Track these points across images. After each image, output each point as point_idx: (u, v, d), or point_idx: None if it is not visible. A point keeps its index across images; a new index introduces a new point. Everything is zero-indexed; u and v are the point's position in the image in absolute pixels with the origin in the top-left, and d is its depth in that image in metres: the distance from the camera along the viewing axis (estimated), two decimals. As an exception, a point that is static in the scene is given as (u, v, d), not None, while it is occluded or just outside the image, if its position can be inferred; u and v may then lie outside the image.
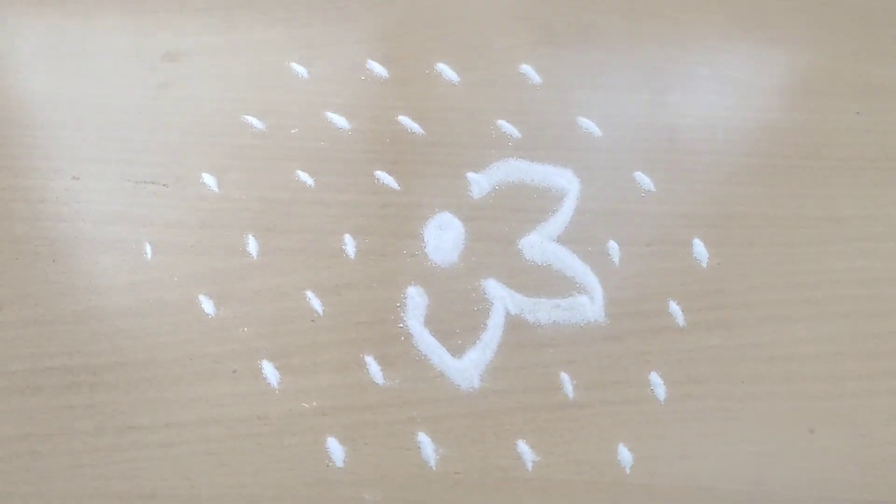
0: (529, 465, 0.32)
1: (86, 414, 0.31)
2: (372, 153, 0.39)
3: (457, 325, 0.35)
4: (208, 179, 0.37)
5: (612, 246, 0.38)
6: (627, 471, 0.32)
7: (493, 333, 0.35)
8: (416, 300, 0.35)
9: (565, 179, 0.40)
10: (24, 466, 0.30)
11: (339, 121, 0.40)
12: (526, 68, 0.43)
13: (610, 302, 0.36)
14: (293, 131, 0.39)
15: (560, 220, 0.38)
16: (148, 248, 0.35)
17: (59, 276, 0.34)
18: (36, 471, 0.30)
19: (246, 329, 0.34)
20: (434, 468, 0.32)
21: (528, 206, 0.39)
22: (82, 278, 0.34)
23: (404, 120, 0.40)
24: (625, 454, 0.33)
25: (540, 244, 0.38)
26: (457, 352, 0.34)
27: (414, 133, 0.40)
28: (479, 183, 0.39)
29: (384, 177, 0.39)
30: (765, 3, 0.49)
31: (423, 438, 0.32)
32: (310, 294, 0.35)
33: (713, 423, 0.34)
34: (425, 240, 0.37)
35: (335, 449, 0.32)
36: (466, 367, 0.34)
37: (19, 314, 0.33)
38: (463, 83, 0.42)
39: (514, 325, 0.35)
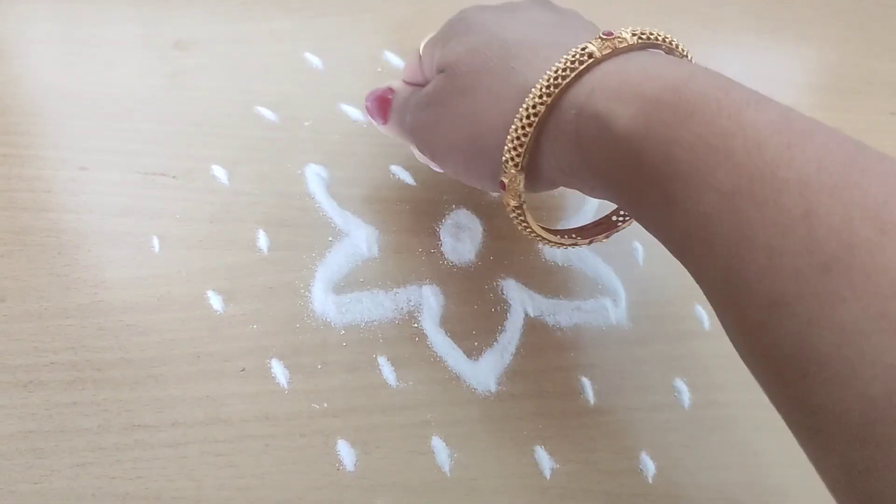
0: (548, 473, 0.31)
1: (90, 411, 0.30)
2: (388, 147, 0.38)
3: (473, 327, 0.34)
4: (218, 172, 0.36)
5: (637, 247, 0.36)
6: (649, 480, 0.31)
7: (511, 335, 0.34)
8: (431, 300, 0.34)
9: (587, 177, 0.38)
10: (26, 464, 0.29)
11: (354, 113, 0.39)
12: (547, 62, 0.42)
13: (633, 304, 0.35)
14: (306, 123, 0.38)
15: (582, 219, 0.37)
16: (156, 242, 0.34)
17: (64, 269, 0.33)
18: (37, 469, 0.29)
19: (255, 326, 0.33)
20: (449, 474, 0.31)
21: (550, 204, 0.38)
22: (88, 272, 0.33)
23: (421, 113, 0.39)
24: (647, 463, 0.31)
25: (560, 243, 0.36)
26: (473, 354, 0.33)
27: (431, 127, 0.39)
28: (498, 179, 0.38)
29: (400, 172, 0.37)
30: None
31: (438, 443, 0.31)
32: (322, 291, 0.34)
33: (740, 431, 0.32)
34: (442, 238, 0.36)
35: (346, 452, 0.30)
36: (483, 370, 0.33)
37: (23, 307, 0.32)
38: (482, 76, 0.41)
39: (534, 327, 0.34)
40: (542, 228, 0.29)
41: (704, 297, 0.35)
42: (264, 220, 0.35)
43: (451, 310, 0.34)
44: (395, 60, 0.41)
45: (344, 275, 0.34)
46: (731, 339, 0.23)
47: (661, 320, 0.35)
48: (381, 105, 0.33)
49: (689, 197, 0.21)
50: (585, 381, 0.33)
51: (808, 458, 0.21)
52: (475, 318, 0.34)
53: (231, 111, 0.38)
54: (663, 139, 0.22)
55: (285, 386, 0.32)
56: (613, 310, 0.35)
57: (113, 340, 0.31)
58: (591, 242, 0.31)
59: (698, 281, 0.23)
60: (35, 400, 0.30)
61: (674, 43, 0.27)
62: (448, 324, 0.34)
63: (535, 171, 0.27)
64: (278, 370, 0.32)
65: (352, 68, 0.41)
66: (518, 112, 0.25)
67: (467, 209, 0.37)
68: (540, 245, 0.36)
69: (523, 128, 0.25)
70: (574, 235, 0.31)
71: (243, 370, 0.32)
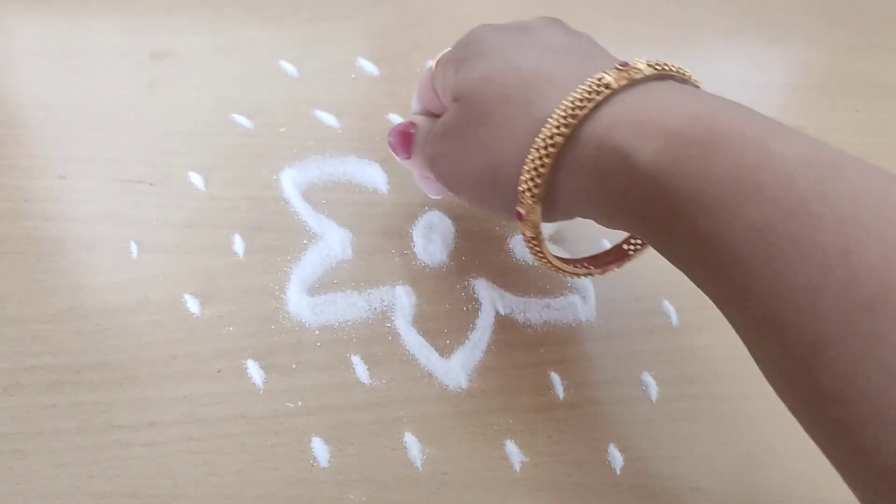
0: (517, 466, 0.32)
1: (69, 413, 0.31)
2: (362, 152, 0.39)
3: (445, 325, 0.35)
4: (195, 178, 0.37)
5: (606, 245, 0.37)
6: (617, 472, 0.32)
7: (482, 333, 0.35)
8: (403, 300, 0.35)
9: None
10: (6, 465, 0.30)
11: (329, 119, 0.40)
12: (518, 66, 0.43)
13: (602, 301, 0.36)
14: (282, 130, 0.39)
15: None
16: (134, 248, 0.35)
17: (43, 275, 0.33)
18: (18, 469, 0.30)
19: (231, 328, 0.33)
20: (420, 469, 0.31)
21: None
22: (67, 277, 0.34)
23: (394, 118, 0.40)
24: (615, 455, 0.32)
25: (531, 243, 0.37)
26: (445, 351, 0.34)
27: (404, 131, 0.40)
28: (470, 181, 0.38)
29: (375, 175, 0.38)
30: (764, 0, 0.48)
31: (410, 438, 0.32)
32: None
33: (705, 423, 0.33)
34: (414, 239, 0.37)
35: (320, 449, 0.31)
36: (454, 367, 0.34)
37: (2, 313, 0.32)
38: (454, 81, 0.42)
39: (504, 324, 0.35)
40: (557, 259, 0.29)
41: (672, 293, 0.36)
42: (240, 224, 0.36)
43: (423, 309, 0.35)
44: (369, 67, 0.42)
45: (318, 277, 0.35)
46: (770, 381, 0.22)
47: (629, 316, 0.35)
48: (404, 139, 0.32)
49: (720, 233, 0.21)
50: (555, 377, 0.34)
51: (856, 497, 0.20)
52: (447, 317, 0.35)
53: (207, 119, 0.39)
54: (690, 174, 0.22)
55: (260, 386, 0.32)
56: (582, 306, 0.36)
57: (91, 344, 0.32)
58: (604, 272, 0.31)
59: (733, 320, 0.23)
60: (15, 403, 0.31)
61: (686, 73, 0.26)
62: (420, 323, 0.35)
63: (552, 202, 0.26)
64: (254, 370, 0.32)
65: (326, 75, 0.41)
66: (535, 143, 0.25)
67: (439, 211, 0.38)
68: (510, 244, 0.37)
69: (541, 159, 0.25)
70: (587, 265, 0.31)
71: (219, 371, 0.32)
